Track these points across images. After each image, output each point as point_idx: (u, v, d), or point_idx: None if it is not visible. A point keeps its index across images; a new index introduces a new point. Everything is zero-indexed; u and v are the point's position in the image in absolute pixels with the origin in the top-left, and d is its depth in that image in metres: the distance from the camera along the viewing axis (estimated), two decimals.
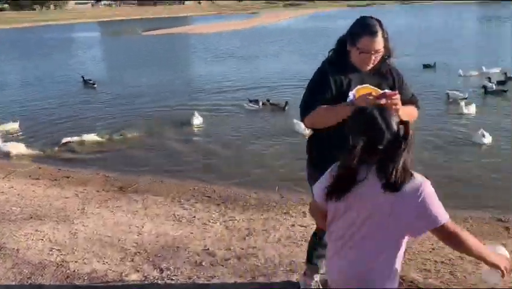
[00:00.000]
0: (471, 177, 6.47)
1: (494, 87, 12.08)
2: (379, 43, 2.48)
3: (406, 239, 1.82)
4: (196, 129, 9.65)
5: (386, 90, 2.46)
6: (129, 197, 5.37)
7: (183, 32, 40.81)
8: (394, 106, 2.44)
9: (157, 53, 27.02)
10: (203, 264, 3.69)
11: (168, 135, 9.30)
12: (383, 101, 2.42)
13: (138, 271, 3.62)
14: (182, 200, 5.22)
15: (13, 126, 9.99)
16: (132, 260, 3.79)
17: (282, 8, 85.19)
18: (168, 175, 6.71)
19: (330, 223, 1.92)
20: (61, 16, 74.80)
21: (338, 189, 1.81)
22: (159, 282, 3.47)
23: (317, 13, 67.18)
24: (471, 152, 7.53)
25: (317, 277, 3.01)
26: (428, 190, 1.73)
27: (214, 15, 70.49)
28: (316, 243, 2.90)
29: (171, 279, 3.49)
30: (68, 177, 6.40)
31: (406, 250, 3.78)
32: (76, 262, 3.78)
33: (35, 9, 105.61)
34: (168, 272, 3.58)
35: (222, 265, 3.66)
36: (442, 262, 3.64)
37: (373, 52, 2.49)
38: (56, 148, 8.47)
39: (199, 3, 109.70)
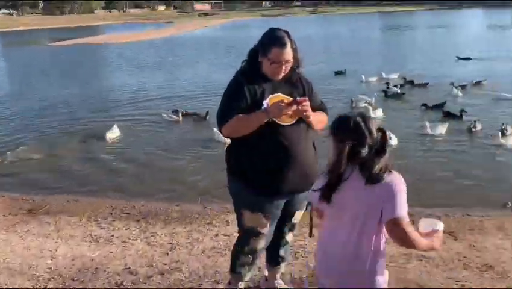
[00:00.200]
0: None
1: (398, 90, 13.10)
2: (288, 53, 2.58)
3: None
4: (112, 143, 9.25)
5: (297, 98, 2.57)
6: (40, 220, 5.01)
7: (95, 42, 39.11)
8: (304, 113, 2.57)
9: (66, 64, 25.60)
10: (125, 283, 3.55)
11: (82, 150, 8.82)
12: (294, 108, 2.53)
13: None
14: (99, 219, 4.98)
15: None
16: (45, 287, 3.54)
17: (197, 17, 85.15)
18: (84, 193, 6.35)
19: (324, 222, 2.10)
20: None
21: (328, 191, 1.98)
22: None
23: (232, 22, 68.09)
24: None
25: (241, 285, 3.03)
26: (401, 184, 1.93)
27: (127, 24, 68.50)
28: (239, 251, 2.93)
29: None
30: None
31: None
32: None
33: None
34: None
35: (145, 283, 3.54)
36: None
37: (283, 62, 2.59)
38: None
39: (109, 11, 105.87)
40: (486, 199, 5.82)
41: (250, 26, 50.98)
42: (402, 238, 1.89)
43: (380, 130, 1.96)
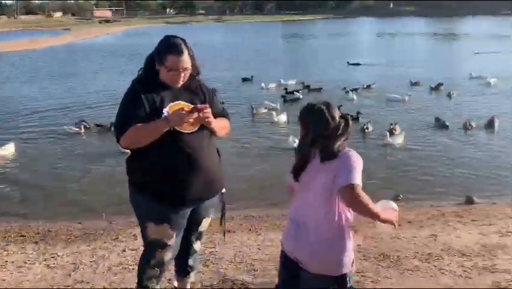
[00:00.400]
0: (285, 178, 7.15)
1: (301, 96, 13.71)
2: (186, 61, 2.57)
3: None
4: (5, 160, 8.47)
5: (198, 105, 2.56)
6: None
7: None
8: (206, 119, 2.57)
9: None
10: None
11: None
12: (195, 115, 2.52)
13: None
14: None
15: None
16: None
17: (98, 24, 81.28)
18: None
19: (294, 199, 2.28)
20: None
21: (296, 172, 2.22)
22: None
23: (134, 29, 66.19)
24: (285, 157, 8.24)
25: None
26: (357, 159, 2.11)
27: (19, 32, 63.24)
28: (145, 265, 2.83)
29: None
30: None
31: (235, 254, 4.08)
32: None
33: None
34: None
35: None
36: (268, 260, 3.92)
37: (181, 70, 2.57)
38: None
39: None
40: (379, 194, 6.26)
41: (154, 34, 50.00)
42: (355, 202, 2.01)
43: (344, 117, 2.18)
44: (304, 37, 45.22)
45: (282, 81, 15.94)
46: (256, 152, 8.66)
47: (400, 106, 12.22)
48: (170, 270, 3.15)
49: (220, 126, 2.75)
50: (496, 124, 9.63)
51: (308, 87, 15.03)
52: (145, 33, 51.05)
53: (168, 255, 2.80)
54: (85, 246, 4.41)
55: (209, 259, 3.97)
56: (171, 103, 2.60)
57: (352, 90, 13.98)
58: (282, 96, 13.29)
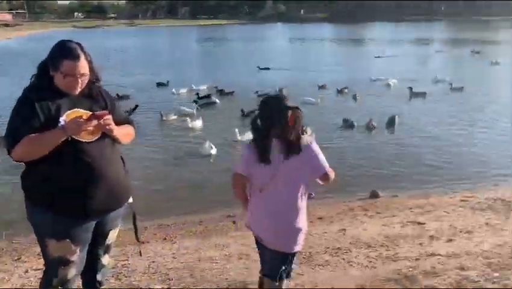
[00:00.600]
0: (202, 184, 7.13)
1: (217, 100, 13.76)
2: (83, 66, 2.45)
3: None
4: None
5: (96, 112, 2.45)
6: None
7: None
8: (107, 127, 2.46)
9: None
10: None
11: None
12: (94, 123, 2.40)
13: None
14: None
15: None
16: None
17: None
18: None
19: (259, 186, 2.47)
20: None
21: (264, 157, 2.39)
22: None
23: (41, 34, 61.95)
24: (201, 163, 8.25)
25: None
26: (316, 145, 2.44)
27: None
28: (47, 285, 2.64)
29: None
30: None
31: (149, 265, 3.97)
32: None
33: None
34: None
35: None
36: (183, 268, 3.87)
37: (78, 76, 2.44)
38: None
39: None
40: None
41: (58, 38, 46.90)
42: (330, 181, 2.49)
43: (292, 109, 2.40)
44: (219, 42, 45.49)
45: (194, 86, 15.92)
46: (171, 159, 8.54)
47: (313, 108, 12.76)
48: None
49: (123, 133, 2.65)
50: (396, 123, 10.43)
51: (221, 91, 15.15)
52: (51, 37, 48.01)
53: (72, 272, 2.64)
54: None
55: (122, 272, 3.82)
56: (69, 111, 2.45)
57: (264, 94, 14.34)
58: (194, 101, 13.23)
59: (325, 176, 2.45)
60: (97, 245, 2.79)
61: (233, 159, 8.33)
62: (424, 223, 4.87)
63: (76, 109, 2.49)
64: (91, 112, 2.47)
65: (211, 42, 45.16)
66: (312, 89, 15.84)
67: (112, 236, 2.84)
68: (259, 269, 3.76)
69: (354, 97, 14.16)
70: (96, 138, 2.51)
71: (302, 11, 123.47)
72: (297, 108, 2.45)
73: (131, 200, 2.78)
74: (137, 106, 11.92)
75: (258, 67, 22.54)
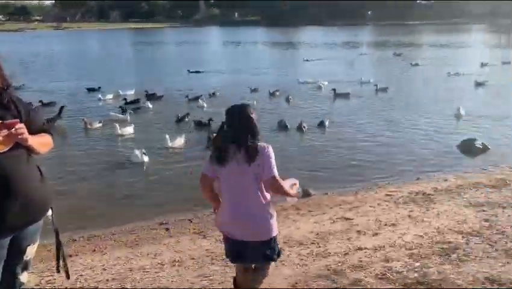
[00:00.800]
0: (134, 192, 6.92)
1: (150, 105, 13.47)
2: None
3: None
4: None
5: (6, 120, 2.31)
6: None
7: None
8: (20, 136, 2.33)
9: None
10: None
11: None
12: (4, 132, 2.27)
13: None
14: None
15: None
16: None
17: None
18: None
19: (221, 184, 2.77)
20: None
21: (222, 159, 2.69)
22: None
23: None
24: (133, 170, 7.96)
25: None
26: (271, 152, 2.68)
27: None
28: None
29: None
30: None
31: (77, 279, 3.80)
32: None
33: None
34: None
35: None
36: (113, 280, 3.75)
37: None
38: None
39: None
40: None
41: None
42: (277, 189, 2.72)
43: (253, 119, 2.70)
44: (152, 45, 44.64)
45: (121, 92, 15.50)
46: (100, 168, 8.17)
47: None
48: None
49: (39, 142, 2.52)
50: (326, 123, 10.80)
51: (151, 95, 14.89)
52: None
53: None
54: None
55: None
56: None
57: (195, 97, 14.40)
58: (120, 107, 12.84)
59: (273, 180, 2.66)
60: (14, 262, 2.64)
61: (165, 166, 8.17)
62: (352, 219, 5.08)
63: None
64: (0, 121, 2.33)
65: (144, 46, 44.25)
66: (245, 92, 16.00)
67: (30, 251, 2.70)
68: (193, 275, 3.76)
69: (287, 100, 14.48)
70: (7, 148, 2.37)
71: (236, 14, 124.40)
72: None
73: (49, 213, 2.64)
74: (62, 107, 11.46)
75: (188, 70, 22.47)
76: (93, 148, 9.41)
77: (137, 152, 8.12)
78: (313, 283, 3.56)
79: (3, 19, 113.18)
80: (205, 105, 13.70)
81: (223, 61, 28.89)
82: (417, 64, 24.03)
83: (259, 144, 2.68)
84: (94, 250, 4.56)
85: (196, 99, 14.38)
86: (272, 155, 2.68)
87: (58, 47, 41.47)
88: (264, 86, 16.66)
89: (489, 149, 8.79)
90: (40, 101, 12.79)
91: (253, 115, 2.72)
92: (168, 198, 6.55)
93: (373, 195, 6.10)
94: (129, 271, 3.91)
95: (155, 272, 3.85)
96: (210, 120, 10.94)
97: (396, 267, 3.76)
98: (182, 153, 8.95)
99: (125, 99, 13.95)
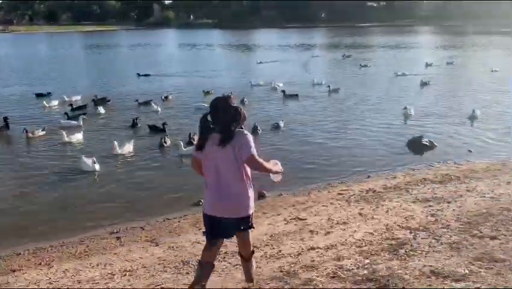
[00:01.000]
0: (84, 202, 6.64)
1: (103, 109, 13.09)
2: None
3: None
4: None
5: None
6: None
7: None
8: None
9: None
10: None
11: None
12: None
13: None
14: None
15: None
16: None
17: None
18: None
19: (204, 168, 3.08)
20: None
21: (199, 146, 3.04)
22: None
23: None
24: (83, 179, 7.63)
25: None
26: (249, 136, 2.99)
27: None
28: None
29: None
30: None
31: None
32: None
33: None
34: None
35: None
36: None
37: None
38: None
39: None
40: (181, 201, 6.42)
41: None
42: (256, 166, 3.03)
43: (235, 108, 2.98)
44: (104, 49, 43.51)
45: (66, 98, 14.95)
46: (47, 178, 7.80)
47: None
48: None
49: None
50: (282, 125, 10.88)
51: (100, 100, 14.47)
52: None
53: None
54: None
55: None
56: None
57: (145, 102, 14.21)
58: (66, 113, 12.35)
59: (252, 158, 2.96)
60: None
61: (116, 174, 7.89)
62: (305, 219, 5.14)
63: None
64: None
65: (96, 49, 43.04)
66: (198, 95, 15.89)
67: None
68: (145, 284, 3.68)
69: (242, 102, 14.46)
70: None
71: (191, 16, 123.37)
72: (238, 107, 3.03)
73: None
74: (6, 118, 10.85)
75: (138, 74, 22.11)
76: (37, 157, 8.93)
77: (87, 160, 7.79)
78: (266, 285, 3.56)
79: None
80: (160, 109, 13.47)
81: (178, 64, 28.58)
82: (366, 65, 24.75)
83: (237, 130, 2.97)
84: (40, 264, 4.37)
85: (147, 103, 14.14)
86: (250, 138, 2.98)
87: (4, 51, 39.64)
88: (217, 88, 16.63)
89: (436, 146, 9.16)
90: None
91: (234, 105, 3.00)
92: (120, 207, 6.35)
93: (326, 195, 6.21)
94: (77, 283, 3.77)
95: (105, 283, 3.73)
96: (164, 124, 10.74)
97: (346, 265, 3.82)
98: (133, 160, 8.70)
99: (71, 105, 13.50)
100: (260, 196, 6.34)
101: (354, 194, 6.05)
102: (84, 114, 12.56)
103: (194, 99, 14.74)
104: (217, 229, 3.12)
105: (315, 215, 5.24)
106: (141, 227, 5.35)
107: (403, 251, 4.04)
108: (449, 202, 5.42)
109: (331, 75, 21.34)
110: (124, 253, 4.47)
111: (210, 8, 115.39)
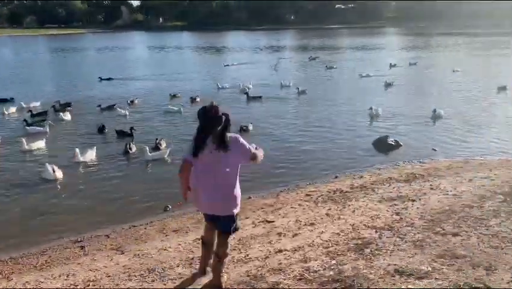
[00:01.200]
0: (45, 211, 6.41)
1: (69, 117, 12.77)
2: None
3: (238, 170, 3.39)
4: None
5: None
6: None
7: None
8: None
9: None
10: None
11: None
12: None
13: None
14: None
15: None
16: None
17: None
18: None
19: (197, 172, 3.32)
20: None
21: (195, 153, 3.26)
22: None
23: None
24: (44, 188, 7.38)
25: None
26: (240, 137, 3.30)
27: None
28: None
29: None
30: None
31: None
32: None
33: None
34: None
35: None
36: None
37: None
38: None
39: None
40: (147, 208, 6.31)
41: None
42: (257, 160, 3.37)
43: (224, 114, 3.24)
44: (70, 52, 42.47)
45: (24, 104, 14.48)
46: (5, 187, 7.46)
47: (177, 116, 12.64)
48: None
49: None
50: (250, 128, 10.88)
51: (62, 105, 14.13)
52: None
53: None
54: None
55: None
56: None
57: (108, 106, 13.96)
58: (24, 120, 11.98)
59: (253, 155, 3.33)
60: None
61: (79, 181, 7.68)
62: (273, 221, 5.14)
63: None
64: None
65: (62, 52, 41.96)
66: (165, 98, 15.72)
67: None
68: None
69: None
70: None
71: (160, 19, 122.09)
72: (226, 113, 3.27)
73: None
74: None
75: (100, 78, 21.73)
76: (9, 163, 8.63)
77: (49, 168, 7.53)
78: None
79: None
80: (127, 113, 13.24)
81: (145, 67, 28.20)
82: (332, 67, 25.09)
83: (229, 134, 3.25)
84: None
85: (110, 107, 13.88)
86: (243, 139, 3.31)
87: None
88: (184, 92, 16.50)
89: (401, 145, 9.36)
90: None
91: (219, 113, 3.21)
92: (83, 215, 6.16)
93: (294, 196, 6.23)
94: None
95: None
96: (132, 128, 10.56)
97: (313, 267, 3.84)
98: (97, 167, 8.45)
99: (30, 111, 13.09)
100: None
101: (322, 195, 6.09)
102: (44, 120, 12.20)
103: (161, 102, 14.55)
104: (218, 222, 3.48)
105: (283, 217, 5.25)
106: (106, 235, 5.22)
107: (368, 250, 4.10)
108: (413, 200, 5.53)
109: (298, 77, 21.52)
110: (88, 262, 4.35)
111: (180, 10, 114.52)
